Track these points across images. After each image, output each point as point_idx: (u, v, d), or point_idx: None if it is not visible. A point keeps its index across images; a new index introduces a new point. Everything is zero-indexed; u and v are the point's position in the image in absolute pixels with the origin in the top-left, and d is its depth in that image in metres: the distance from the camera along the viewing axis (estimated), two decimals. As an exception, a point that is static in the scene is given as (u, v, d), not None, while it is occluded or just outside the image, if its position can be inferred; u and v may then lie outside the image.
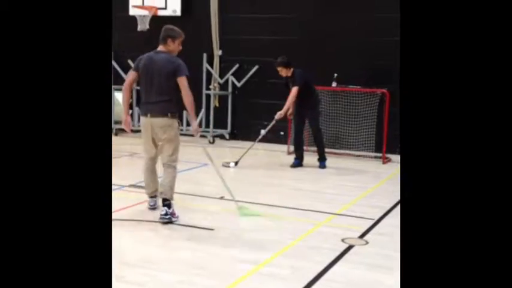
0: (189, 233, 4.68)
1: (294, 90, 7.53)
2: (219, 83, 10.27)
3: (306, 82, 7.64)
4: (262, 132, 8.04)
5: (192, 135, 5.49)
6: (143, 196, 5.54)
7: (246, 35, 10.00)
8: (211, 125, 10.13)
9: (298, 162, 7.87)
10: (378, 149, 8.80)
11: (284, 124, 8.77)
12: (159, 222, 4.84)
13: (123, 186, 6.09)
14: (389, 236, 4.75)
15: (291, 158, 8.16)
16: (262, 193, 6.20)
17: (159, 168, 5.27)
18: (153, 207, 5.31)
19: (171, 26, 5.12)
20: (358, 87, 8.95)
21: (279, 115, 7.64)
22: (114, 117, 10.18)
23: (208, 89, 10.27)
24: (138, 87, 5.28)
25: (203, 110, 10.32)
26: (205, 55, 10.16)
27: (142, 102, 5.05)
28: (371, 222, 5.13)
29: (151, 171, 5.23)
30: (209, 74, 10.28)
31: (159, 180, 5.22)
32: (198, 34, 10.15)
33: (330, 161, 8.41)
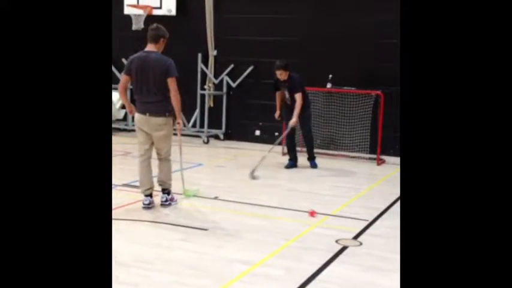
0: (183, 233, 4.66)
1: (299, 97, 7.58)
2: (213, 83, 10.25)
3: (302, 86, 7.69)
4: (277, 140, 8.05)
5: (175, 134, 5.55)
6: (137, 195, 5.52)
7: (241, 35, 9.99)
8: (205, 125, 10.11)
9: (292, 163, 7.87)
10: (372, 150, 8.80)
11: (279, 125, 8.75)
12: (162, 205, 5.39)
13: (117, 185, 6.07)
14: (383, 237, 4.75)
15: (286, 159, 8.15)
16: (257, 194, 6.19)
17: (154, 167, 5.40)
18: (147, 206, 5.31)
19: (159, 25, 5.20)
20: (353, 88, 8.95)
21: (293, 123, 7.59)
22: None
23: (203, 89, 10.24)
24: (130, 87, 5.25)
25: (198, 110, 10.30)
26: (200, 55, 10.14)
27: (140, 102, 5.15)
28: (365, 224, 5.13)
29: (146, 169, 5.31)
30: (204, 74, 10.26)
31: (156, 175, 5.44)
32: (193, 34, 10.13)
33: (324, 162, 8.41)
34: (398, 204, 6.00)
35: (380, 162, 8.53)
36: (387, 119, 8.65)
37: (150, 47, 5.11)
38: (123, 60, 10.14)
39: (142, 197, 5.37)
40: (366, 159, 8.76)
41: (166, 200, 5.41)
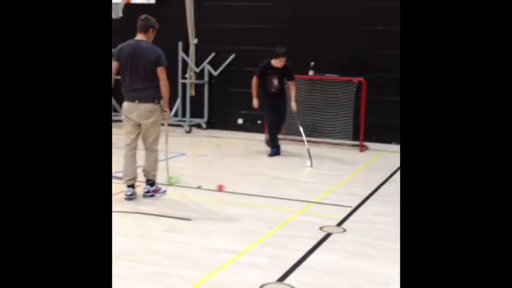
0: (167, 223, 4.64)
1: (294, 84, 7.77)
2: (195, 72, 10.17)
3: None
4: (301, 129, 8.04)
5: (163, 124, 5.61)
6: (120, 186, 5.47)
7: (222, 23, 9.91)
8: (187, 115, 10.05)
9: (275, 151, 7.87)
10: (355, 137, 8.84)
11: (262, 113, 8.73)
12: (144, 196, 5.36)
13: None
14: (367, 223, 4.78)
15: (269, 147, 8.15)
16: (241, 182, 6.18)
17: (140, 158, 5.40)
18: (129, 197, 5.28)
19: (148, 16, 5.32)
20: (335, 75, 8.95)
21: (295, 108, 7.77)
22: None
23: (184, 78, 10.17)
24: (118, 77, 5.25)
25: (179, 99, 10.22)
26: (180, 44, 10.05)
27: (128, 90, 5.20)
28: (349, 210, 5.16)
29: (131, 159, 5.34)
30: (185, 63, 10.18)
31: (141, 166, 5.41)
32: (173, 22, 10.02)
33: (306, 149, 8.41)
34: (381, 190, 6.05)
35: (363, 148, 8.58)
36: (369, 105, 8.68)
37: (139, 36, 5.24)
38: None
39: (125, 188, 5.33)
40: (349, 145, 8.80)
41: (148, 191, 5.37)
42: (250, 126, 9.59)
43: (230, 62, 9.94)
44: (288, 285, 3.45)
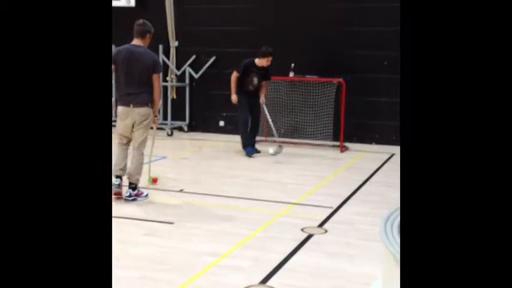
0: (148, 227, 4.63)
1: (266, 84, 8.09)
2: (176, 75, 10.16)
3: None
4: (273, 127, 8.17)
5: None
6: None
7: (202, 26, 9.92)
8: (169, 117, 10.03)
9: (250, 150, 7.90)
10: (335, 137, 8.91)
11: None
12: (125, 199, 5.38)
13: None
14: (348, 224, 4.83)
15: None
16: (223, 184, 6.19)
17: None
18: (117, 187, 5.36)
19: (145, 21, 5.46)
20: (315, 77, 9.02)
21: (263, 102, 7.99)
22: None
23: (165, 80, 10.14)
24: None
25: (160, 102, 10.18)
26: (161, 46, 10.02)
27: (123, 94, 5.32)
28: (330, 211, 5.20)
29: (123, 152, 5.48)
30: (165, 66, 10.15)
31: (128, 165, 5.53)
32: (153, 25, 9.92)
33: (288, 150, 8.47)
34: (361, 190, 6.11)
35: (343, 149, 8.64)
36: (349, 106, 8.75)
37: (136, 42, 5.35)
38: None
39: (114, 176, 5.36)
40: (330, 146, 8.86)
41: (130, 195, 5.38)
42: (231, 129, 9.61)
43: (211, 65, 9.95)
44: (271, 287, 3.47)
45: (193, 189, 5.93)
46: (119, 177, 5.39)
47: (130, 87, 5.25)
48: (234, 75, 7.86)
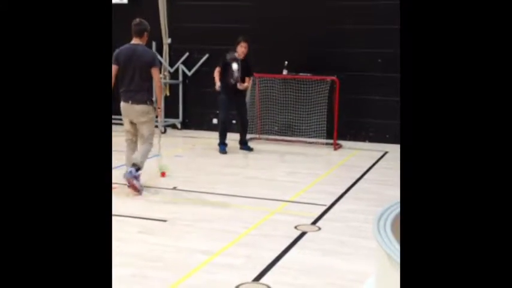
0: (141, 225, 4.62)
1: (250, 82, 7.99)
2: (169, 72, 10.13)
3: None
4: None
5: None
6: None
7: (195, 23, 9.89)
8: (162, 115, 9.99)
9: (225, 148, 7.91)
10: (329, 135, 8.91)
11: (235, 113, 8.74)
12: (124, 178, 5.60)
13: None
14: (341, 221, 4.83)
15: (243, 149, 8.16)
16: (216, 182, 6.18)
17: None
18: (129, 174, 5.57)
19: (142, 20, 5.72)
20: (309, 74, 9.02)
21: (242, 86, 7.83)
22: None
23: (158, 78, 10.11)
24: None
25: (153, 99, 10.16)
26: (154, 43, 9.98)
27: (124, 90, 5.61)
28: (323, 209, 5.20)
29: (131, 151, 5.81)
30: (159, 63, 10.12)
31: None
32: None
33: (282, 148, 8.48)
34: (355, 188, 6.12)
35: (337, 147, 8.65)
36: (343, 104, 8.76)
37: (135, 40, 5.63)
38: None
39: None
40: (323, 144, 8.87)
41: (130, 172, 5.52)
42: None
43: (204, 62, 9.92)
44: (264, 284, 3.47)
45: (186, 186, 5.92)
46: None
47: (130, 84, 5.54)
48: (216, 70, 7.86)
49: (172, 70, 10.08)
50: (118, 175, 6.07)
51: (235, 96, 7.81)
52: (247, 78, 7.90)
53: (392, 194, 5.20)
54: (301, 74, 9.04)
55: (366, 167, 7.23)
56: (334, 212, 5.13)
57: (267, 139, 9.15)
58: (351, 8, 9.02)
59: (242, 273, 3.62)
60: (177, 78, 10.11)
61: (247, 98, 8.21)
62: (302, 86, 9.17)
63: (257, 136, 9.25)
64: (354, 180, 6.43)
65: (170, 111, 10.15)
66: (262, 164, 7.33)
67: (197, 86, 10.02)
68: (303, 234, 4.45)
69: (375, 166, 7.38)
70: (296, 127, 9.26)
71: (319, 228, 4.62)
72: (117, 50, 5.59)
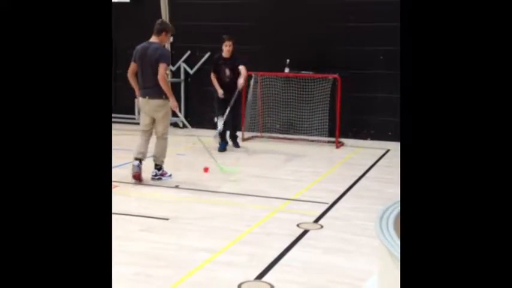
0: (144, 223, 4.63)
1: (244, 68, 7.74)
2: (171, 71, 10.13)
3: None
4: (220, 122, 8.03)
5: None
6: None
7: (197, 22, 9.88)
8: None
9: (225, 146, 7.89)
10: (331, 133, 8.91)
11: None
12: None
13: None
14: (343, 219, 4.84)
15: (246, 144, 8.16)
16: (218, 180, 6.18)
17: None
18: (136, 167, 5.90)
19: (164, 20, 6.20)
20: (311, 72, 9.01)
21: (241, 85, 7.75)
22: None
23: (160, 76, 10.11)
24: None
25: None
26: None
27: (141, 87, 5.94)
28: (325, 207, 5.20)
29: (145, 142, 6.07)
30: (161, 62, 10.12)
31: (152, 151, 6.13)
32: (148, 21, 9.90)
33: (284, 146, 8.48)
34: (357, 186, 6.12)
35: (339, 145, 8.65)
36: (345, 102, 8.75)
37: (153, 38, 5.94)
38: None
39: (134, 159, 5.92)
40: (325, 142, 8.87)
41: (156, 175, 6.03)
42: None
43: (206, 60, 9.92)
44: (266, 283, 3.47)
45: (188, 185, 5.92)
46: (139, 160, 5.90)
47: (146, 80, 5.84)
48: (211, 76, 7.91)
49: (174, 68, 10.09)
50: (119, 173, 6.09)
51: (230, 95, 7.77)
52: (240, 67, 7.74)
53: (395, 192, 5.18)
54: (303, 72, 9.04)
55: (368, 165, 7.22)
56: (336, 210, 5.14)
57: (269, 137, 9.15)
58: (353, 6, 9.01)
59: (245, 271, 3.62)
60: (179, 77, 10.12)
61: (249, 96, 8.16)
62: (304, 84, 9.17)
63: (259, 134, 9.25)
64: (356, 178, 6.43)
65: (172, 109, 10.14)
66: (263, 162, 7.33)
67: (199, 84, 10.02)
68: (305, 232, 4.45)
69: (377, 164, 7.37)
70: (298, 125, 9.25)
71: (322, 226, 4.62)
72: (136, 48, 5.96)
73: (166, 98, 5.89)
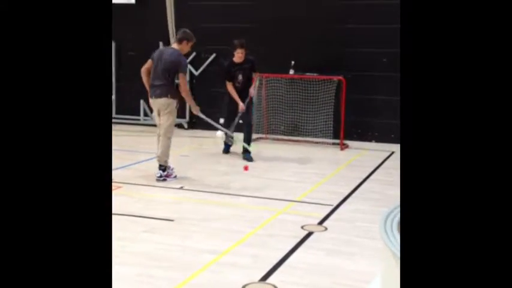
0: (148, 224, 4.63)
1: (255, 76, 7.67)
2: (176, 72, 10.14)
3: None
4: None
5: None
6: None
7: (203, 23, 9.89)
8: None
9: (229, 148, 7.84)
10: (335, 135, 8.90)
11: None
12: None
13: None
14: (347, 221, 4.83)
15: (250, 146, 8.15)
16: (222, 182, 6.19)
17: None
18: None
19: (186, 30, 6.33)
20: (315, 74, 9.01)
21: (252, 93, 7.61)
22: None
23: (165, 78, 10.13)
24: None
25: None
26: (161, 43, 9.99)
27: (151, 85, 6.19)
28: (330, 209, 5.20)
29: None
30: (166, 63, 10.14)
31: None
32: (153, 22, 9.98)
33: (288, 148, 8.47)
34: (361, 188, 6.10)
35: (343, 147, 8.64)
36: (349, 104, 8.74)
37: (174, 45, 6.30)
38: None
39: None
40: (330, 144, 8.86)
41: (160, 176, 6.13)
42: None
43: (211, 62, 9.93)
44: (270, 284, 3.47)
45: (193, 186, 5.93)
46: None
47: (155, 79, 6.10)
48: (228, 85, 7.56)
49: (179, 70, 10.09)
50: (122, 174, 6.10)
51: (240, 96, 7.63)
52: (253, 78, 7.73)
53: (399, 194, 5.18)
54: (307, 74, 9.03)
55: (372, 167, 7.21)
56: (340, 212, 5.13)
57: (274, 139, 9.15)
58: (358, 7, 9.00)
59: (249, 272, 3.62)
60: (184, 78, 10.12)
61: (254, 99, 8.11)
62: (309, 86, 9.16)
63: (264, 136, 9.25)
64: (360, 181, 6.42)
65: (177, 111, 10.14)
66: (268, 164, 7.32)
67: (204, 86, 10.03)
68: (309, 234, 4.44)
69: (382, 166, 7.36)
70: (302, 127, 9.25)
71: (326, 229, 4.61)
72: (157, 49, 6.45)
73: (171, 97, 6.07)
